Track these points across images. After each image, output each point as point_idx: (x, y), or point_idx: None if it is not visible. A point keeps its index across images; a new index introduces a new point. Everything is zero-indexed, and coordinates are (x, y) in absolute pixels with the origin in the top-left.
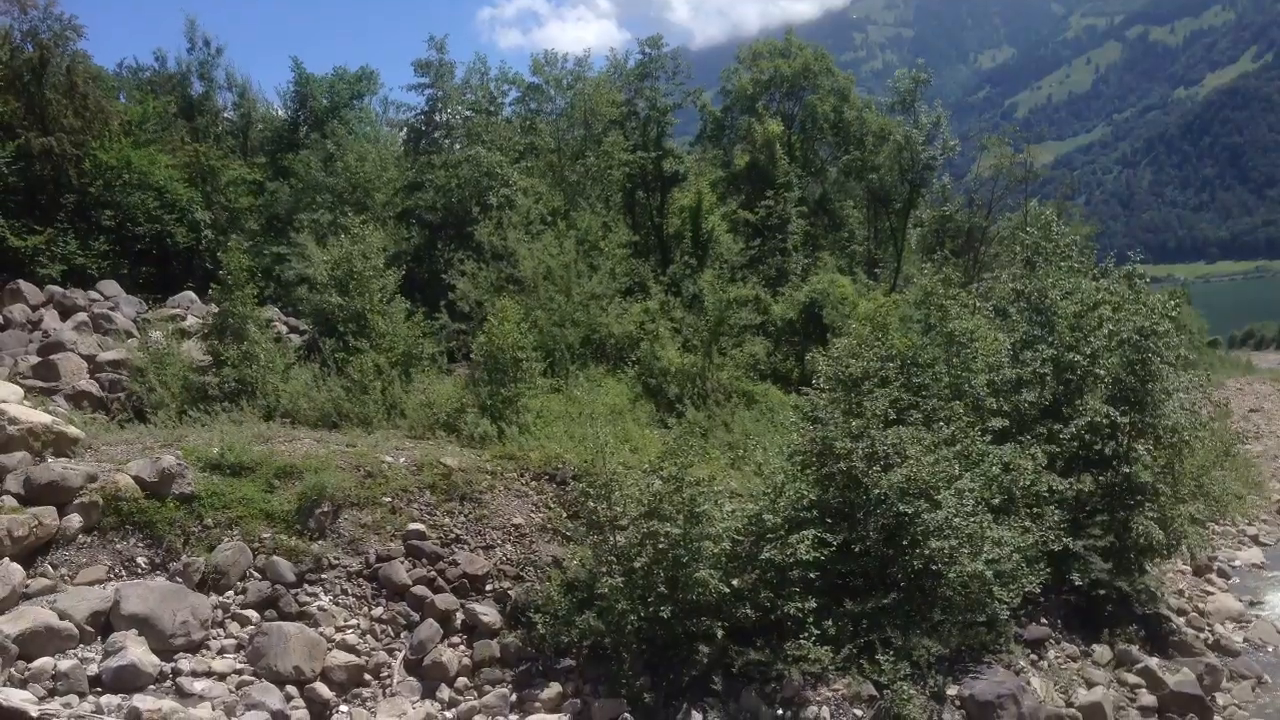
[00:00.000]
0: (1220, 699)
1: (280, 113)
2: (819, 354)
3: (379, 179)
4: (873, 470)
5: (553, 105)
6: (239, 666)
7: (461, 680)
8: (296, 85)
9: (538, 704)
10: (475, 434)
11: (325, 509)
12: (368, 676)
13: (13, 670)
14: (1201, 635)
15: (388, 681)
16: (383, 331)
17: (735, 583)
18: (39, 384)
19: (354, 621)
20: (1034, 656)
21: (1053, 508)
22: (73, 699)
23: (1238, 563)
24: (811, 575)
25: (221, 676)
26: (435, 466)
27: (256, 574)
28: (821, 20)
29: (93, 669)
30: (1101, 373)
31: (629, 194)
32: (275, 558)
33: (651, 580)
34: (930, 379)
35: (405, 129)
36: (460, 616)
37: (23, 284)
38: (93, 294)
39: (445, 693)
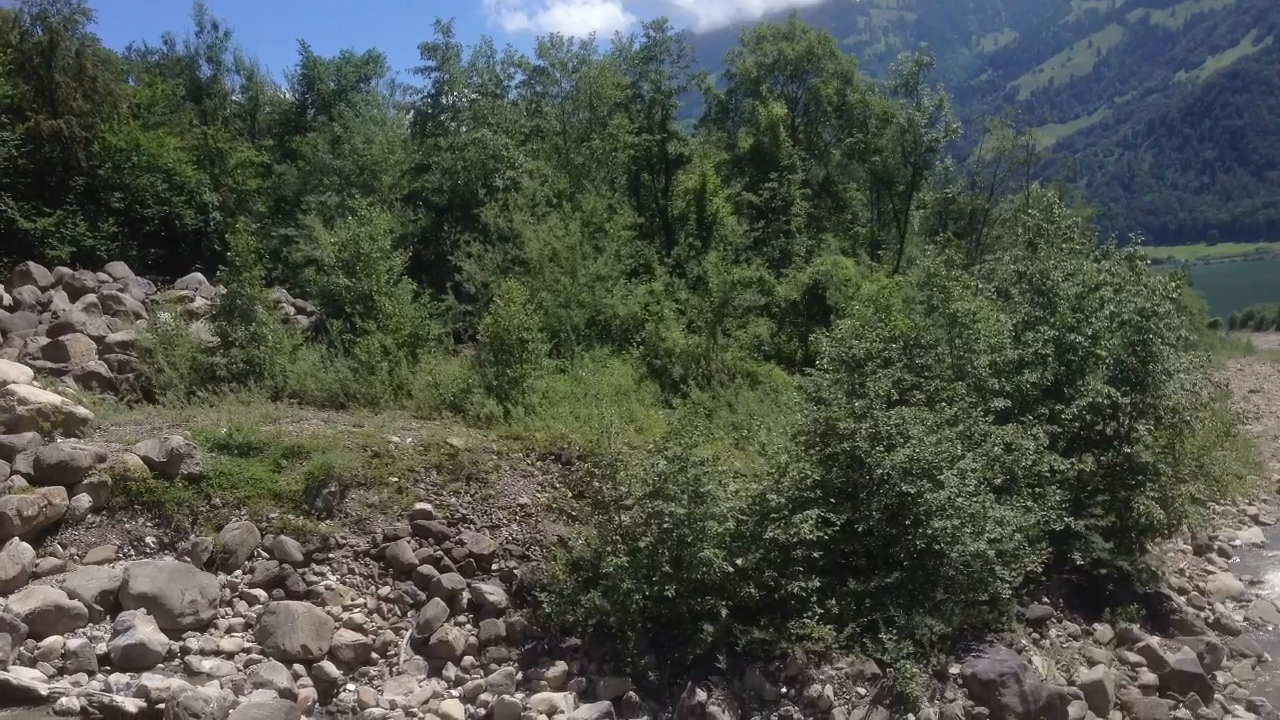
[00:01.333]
0: (1221, 677)
1: (288, 96)
2: (822, 335)
3: (386, 161)
4: (876, 450)
5: (558, 88)
6: (247, 645)
7: (468, 659)
8: (304, 68)
9: (543, 682)
10: (481, 414)
11: (332, 489)
12: (375, 655)
13: (22, 649)
14: (1202, 614)
15: (394, 660)
16: (389, 313)
17: (739, 562)
18: (48, 365)
19: (361, 600)
20: (1036, 635)
21: (1054, 487)
22: (82, 677)
23: (1238, 542)
24: (815, 554)
25: (229, 655)
26: (442, 447)
27: (264, 553)
28: (825, 4)
29: (102, 647)
30: (1103, 353)
31: (634, 176)
32: (283, 537)
33: (656, 559)
34: (933, 360)
35: (412, 112)
36: (466, 596)
37: (32, 265)
38: (102, 275)
39: (451, 671)
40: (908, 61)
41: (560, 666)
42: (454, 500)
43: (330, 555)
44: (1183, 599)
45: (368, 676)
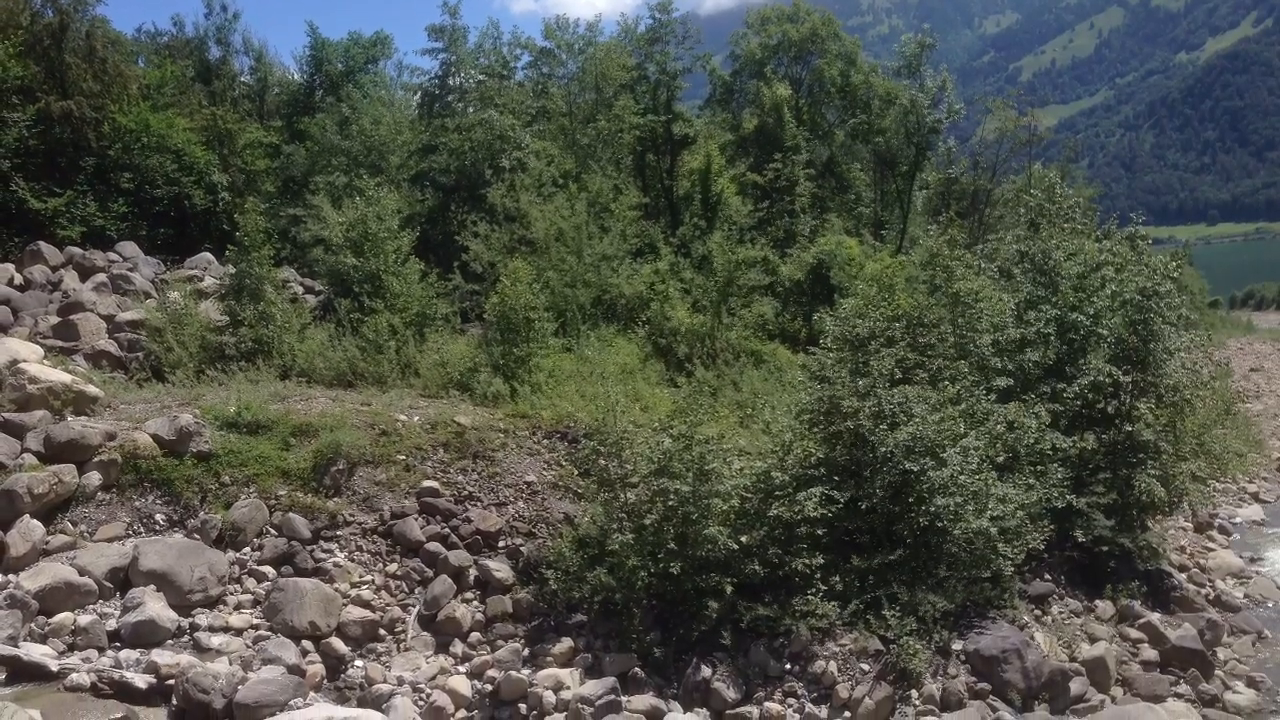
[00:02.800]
0: (1221, 653)
1: (296, 77)
2: (826, 314)
3: (393, 142)
4: (879, 428)
5: (564, 69)
6: (255, 621)
7: (474, 635)
8: (312, 50)
9: (550, 658)
10: (488, 393)
11: (340, 467)
12: (382, 631)
13: (33, 625)
14: (1203, 591)
15: (402, 636)
16: (397, 292)
17: (744, 539)
18: (59, 344)
19: (369, 577)
20: (1038, 612)
21: (1056, 465)
22: (92, 654)
23: (1238, 520)
24: (819, 532)
25: (238, 631)
26: (449, 425)
27: (273, 531)
28: None
29: (112, 624)
30: (1104, 332)
31: (639, 157)
32: (291, 515)
33: (661, 537)
34: (936, 339)
35: (419, 93)
36: (473, 573)
37: (43, 245)
38: (112, 255)
39: (459, 647)
40: (910, 43)
41: (566, 643)
42: (461, 478)
43: (338, 532)
44: (1183, 576)
45: (375, 653)
